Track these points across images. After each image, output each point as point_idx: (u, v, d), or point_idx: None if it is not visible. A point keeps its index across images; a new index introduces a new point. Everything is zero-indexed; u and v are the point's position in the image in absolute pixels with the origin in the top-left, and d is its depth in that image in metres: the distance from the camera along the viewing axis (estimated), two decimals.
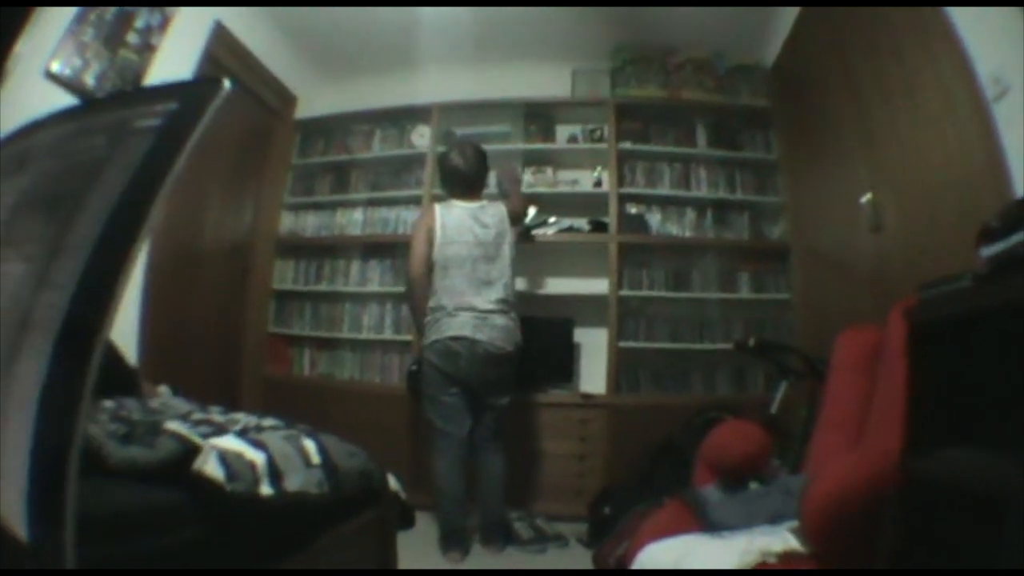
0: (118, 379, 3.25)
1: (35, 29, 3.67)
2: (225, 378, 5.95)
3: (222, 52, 5.31)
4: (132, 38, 4.40)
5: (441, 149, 4.79)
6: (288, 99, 6.63)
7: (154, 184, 1.55)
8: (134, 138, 1.71)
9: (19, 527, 1.38)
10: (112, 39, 4.25)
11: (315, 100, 6.72)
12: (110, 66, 4.23)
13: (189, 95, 1.72)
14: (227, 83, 1.60)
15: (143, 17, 4.49)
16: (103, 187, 1.66)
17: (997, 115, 2.97)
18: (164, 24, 4.65)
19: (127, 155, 1.67)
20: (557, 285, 5.29)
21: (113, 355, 3.37)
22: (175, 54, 4.74)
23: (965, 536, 1.71)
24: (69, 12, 3.97)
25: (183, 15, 4.81)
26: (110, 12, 4.23)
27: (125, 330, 4.54)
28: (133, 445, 2.04)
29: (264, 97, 6.33)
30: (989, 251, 1.71)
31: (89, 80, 4.08)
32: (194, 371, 5.41)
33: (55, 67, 3.85)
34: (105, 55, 4.20)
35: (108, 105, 2.34)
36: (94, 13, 4.12)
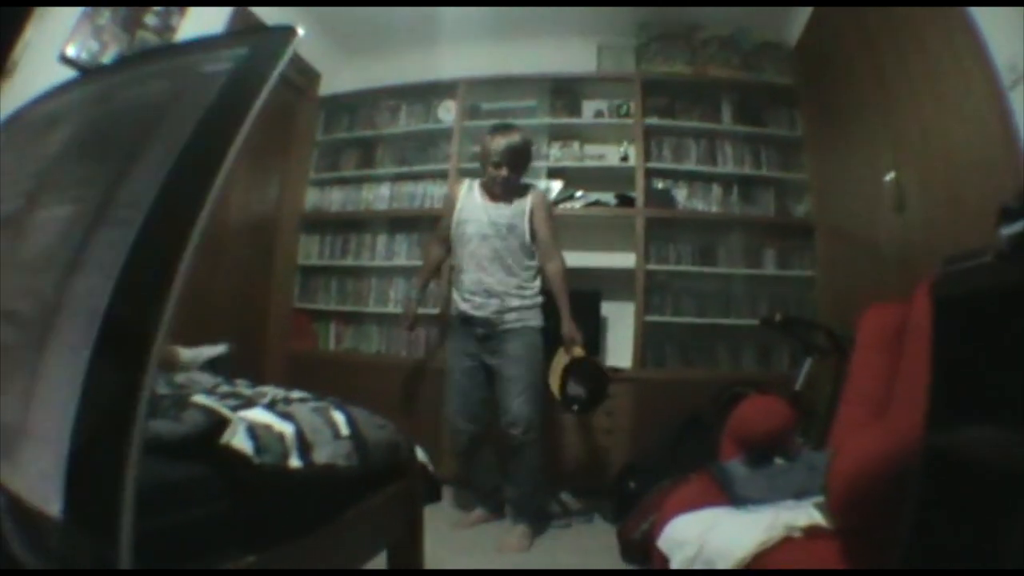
0: None
1: (49, 14, 3.67)
2: (250, 353, 5.95)
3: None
4: (151, 19, 4.40)
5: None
6: (312, 76, 6.63)
7: (230, 126, 1.47)
8: (202, 81, 1.66)
9: (50, 503, 1.30)
10: (130, 21, 4.25)
11: (339, 77, 6.74)
12: (128, 48, 4.21)
13: (260, 41, 1.67)
14: (300, 30, 1.55)
15: None
16: (170, 128, 1.60)
17: (1013, 102, 3.07)
18: (184, 4, 4.65)
19: (195, 97, 1.62)
20: (584, 259, 5.27)
21: None
22: (196, 34, 4.71)
23: (988, 511, 1.72)
24: None
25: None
26: None
27: None
28: (158, 419, 2.00)
29: (288, 74, 6.25)
30: (1009, 230, 1.72)
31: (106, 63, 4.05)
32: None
33: (71, 51, 3.85)
34: (124, 37, 4.19)
35: (166, 53, 2.29)
36: None
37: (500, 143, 4.44)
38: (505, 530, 4.40)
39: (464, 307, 4.50)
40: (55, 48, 3.79)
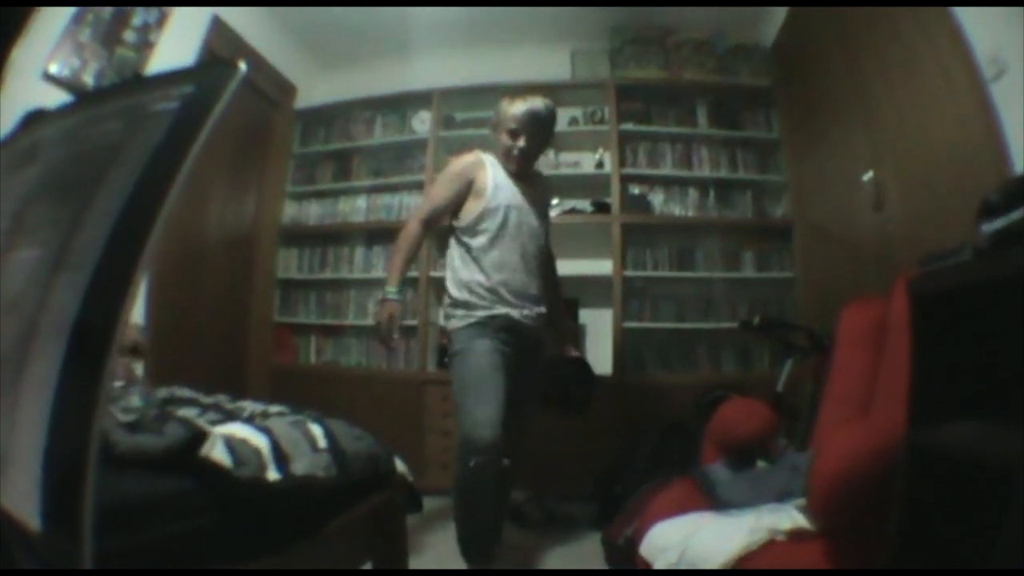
0: None
1: (32, 32, 3.68)
2: (231, 368, 5.99)
3: (220, 46, 5.31)
4: (129, 36, 4.42)
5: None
6: (287, 89, 6.62)
7: (174, 164, 1.53)
8: (151, 121, 1.69)
9: (31, 518, 1.39)
10: (109, 38, 4.28)
11: (314, 89, 6.75)
12: (108, 64, 4.26)
13: (205, 78, 1.72)
14: (242, 65, 1.60)
15: (140, 15, 4.51)
16: (121, 169, 1.65)
17: (995, 94, 3.04)
18: (162, 20, 4.68)
19: (145, 138, 1.66)
20: (561, 267, 5.25)
21: None
22: (173, 50, 4.75)
23: (973, 508, 1.72)
24: (66, 14, 4.00)
25: (181, 11, 4.82)
26: (107, 11, 4.26)
27: (129, 322, 4.57)
28: (141, 433, 2.05)
29: (263, 88, 6.32)
30: (990, 226, 1.72)
31: (88, 79, 4.12)
32: (200, 361, 5.47)
33: (53, 68, 3.89)
34: (103, 54, 4.23)
35: (122, 91, 2.34)
36: (91, 13, 4.15)
37: (519, 108, 3.72)
38: None
39: (509, 312, 3.67)
40: (38, 66, 3.82)
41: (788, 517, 2.41)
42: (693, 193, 6.04)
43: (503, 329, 3.63)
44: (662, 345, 5.84)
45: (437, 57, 6.41)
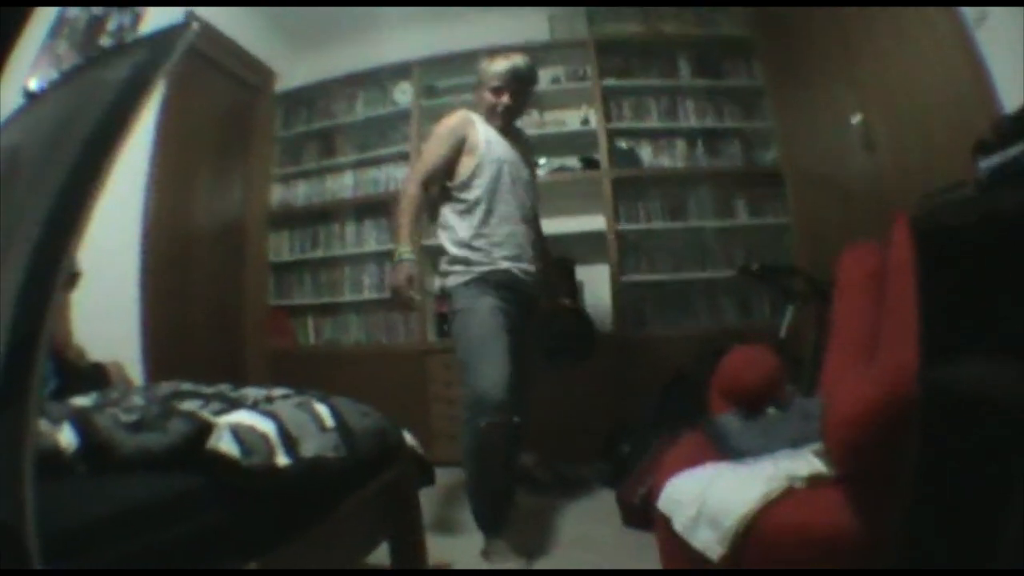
0: (86, 377, 3.27)
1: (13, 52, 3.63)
2: (230, 356, 5.97)
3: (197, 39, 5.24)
4: (105, 41, 4.36)
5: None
6: (266, 74, 6.57)
7: (118, 127, 1.52)
8: (104, 88, 1.66)
9: None
10: (86, 45, 4.21)
11: (293, 72, 6.69)
12: None
13: (158, 43, 1.71)
14: (195, 25, 1.59)
15: (115, 19, 4.45)
16: (68, 140, 1.60)
17: (980, 39, 3.10)
18: (136, 22, 4.62)
19: (95, 106, 1.63)
20: (554, 225, 5.20)
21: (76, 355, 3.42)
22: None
23: (992, 448, 1.71)
24: (42, 30, 3.94)
25: (155, 10, 4.73)
26: (82, 19, 4.21)
27: (125, 318, 4.58)
28: (146, 432, 2.00)
29: (242, 75, 6.28)
30: (987, 163, 1.72)
31: None
32: (198, 353, 5.45)
33: (33, 84, 3.81)
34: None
35: (82, 68, 2.33)
36: (67, 25, 4.10)
37: (501, 65, 3.79)
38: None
39: (509, 268, 3.68)
40: (19, 84, 3.74)
41: (806, 463, 2.38)
42: (681, 144, 6.02)
43: (503, 285, 3.63)
44: (660, 298, 5.82)
45: (413, 28, 6.35)
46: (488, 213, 3.70)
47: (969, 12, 3.09)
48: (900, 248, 2.55)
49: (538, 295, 3.92)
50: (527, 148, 4.12)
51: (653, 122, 6.05)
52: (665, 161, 6.00)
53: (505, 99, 3.79)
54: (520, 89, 3.84)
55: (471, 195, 3.71)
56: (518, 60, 3.81)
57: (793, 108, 5.55)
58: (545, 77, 6.15)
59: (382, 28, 6.37)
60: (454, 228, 3.74)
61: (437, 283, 3.93)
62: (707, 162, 6.00)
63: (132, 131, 1.48)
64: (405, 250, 3.61)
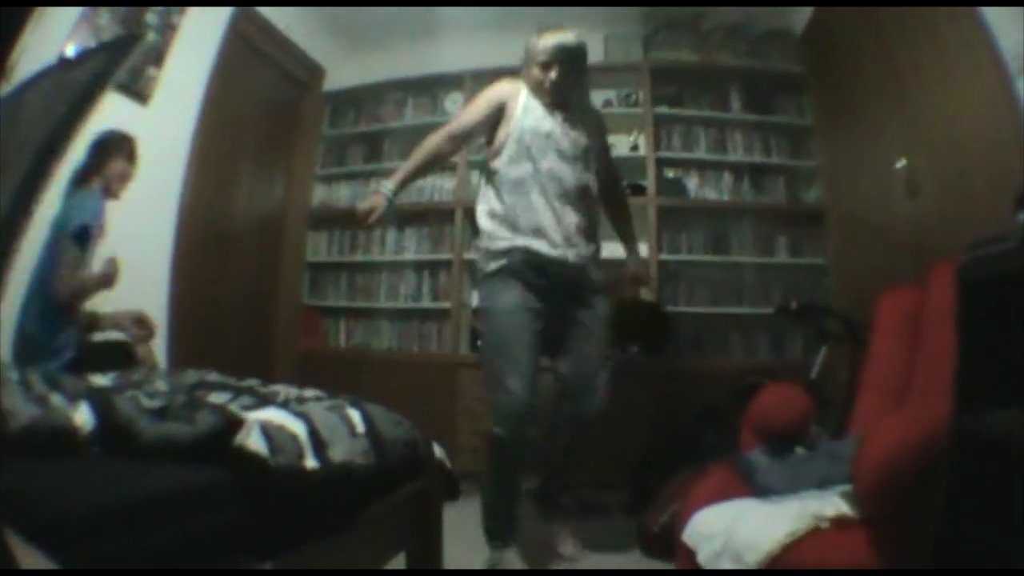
0: (111, 354, 3.29)
1: (47, 15, 3.60)
2: (257, 351, 5.98)
3: (246, 27, 5.30)
4: (151, 18, 4.32)
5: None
6: (315, 71, 6.59)
7: (67, 129, 1.64)
8: (66, 89, 1.72)
9: None
10: (130, 20, 4.14)
11: (342, 71, 6.70)
12: None
13: (113, 51, 1.80)
14: (151, 36, 1.70)
15: None
16: (31, 138, 1.70)
17: (1019, 88, 3.13)
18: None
19: (56, 106, 1.68)
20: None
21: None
22: (198, 32, 4.72)
23: (1019, 499, 1.70)
24: None
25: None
26: None
27: (153, 304, 4.51)
28: (169, 421, 1.94)
29: (291, 70, 6.31)
30: None
31: None
32: (225, 344, 5.46)
33: (70, 52, 3.69)
34: None
35: (55, 70, 2.40)
36: None
37: (549, 40, 3.70)
38: (552, 533, 3.98)
39: (530, 244, 3.53)
40: (53, 49, 3.69)
41: (831, 504, 2.39)
42: (727, 177, 6.02)
43: (529, 267, 3.52)
44: (696, 329, 5.80)
45: (468, 39, 6.35)
46: (517, 184, 3.59)
47: (1010, 60, 3.12)
48: (937, 297, 2.55)
49: (585, 278, 3.70)
50: (590, 124, 3.89)
51: (701, 153, 6.05)
52: (710, 193, 5.99)
53: (552, 74, 3.66)
54: (568, 64, 3.70)
55: (499, 163, 3.65)
56: (566, 35, 3.74)
57: (839, 148, 5.54)
58: (597, 99, 6.15)
59: (437, 36, 6.37)
60: (484, 199, 3.73)
61: (475, 298, 3.88)
62: (752, 197, 5.99)
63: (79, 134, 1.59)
64: (388, 184, 3.66)
